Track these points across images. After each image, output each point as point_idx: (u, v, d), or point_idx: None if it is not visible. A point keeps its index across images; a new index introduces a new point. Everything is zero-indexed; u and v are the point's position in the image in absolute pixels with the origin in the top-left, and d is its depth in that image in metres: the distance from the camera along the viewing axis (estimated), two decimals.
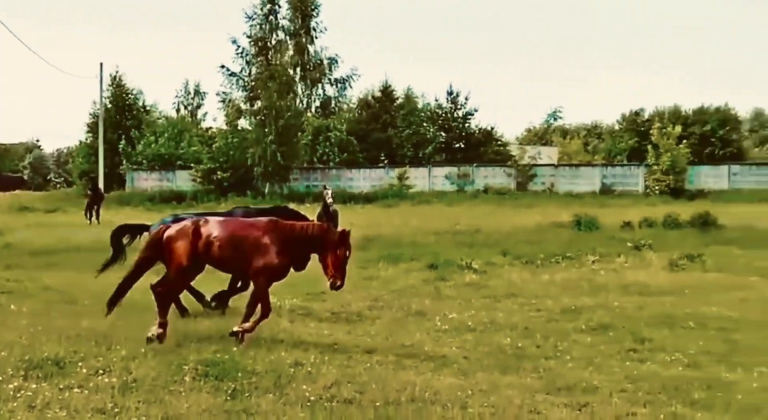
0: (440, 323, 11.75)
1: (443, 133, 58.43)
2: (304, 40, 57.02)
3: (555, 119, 76.35)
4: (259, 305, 9.82)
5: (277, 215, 12.98)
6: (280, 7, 54.27)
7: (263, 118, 50.21)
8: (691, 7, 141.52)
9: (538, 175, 52.46)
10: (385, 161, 54.28)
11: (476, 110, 59.73)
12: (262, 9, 53.38)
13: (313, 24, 57.34)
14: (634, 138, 59.05)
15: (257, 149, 49.52)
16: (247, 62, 53.85)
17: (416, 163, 53.93)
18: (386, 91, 60.19)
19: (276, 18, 53.84)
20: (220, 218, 10.81)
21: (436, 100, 60.44)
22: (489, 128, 59.80)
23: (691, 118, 58.17)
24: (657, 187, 48.28)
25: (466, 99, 59.57)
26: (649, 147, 50.32)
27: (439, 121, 59.10)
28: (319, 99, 60.08)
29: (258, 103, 51.87)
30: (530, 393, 7.89)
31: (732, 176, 50.42)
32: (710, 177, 50.44)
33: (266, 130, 49.42)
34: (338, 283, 9.70)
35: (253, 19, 53.48)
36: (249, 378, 7.85)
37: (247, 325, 9.77)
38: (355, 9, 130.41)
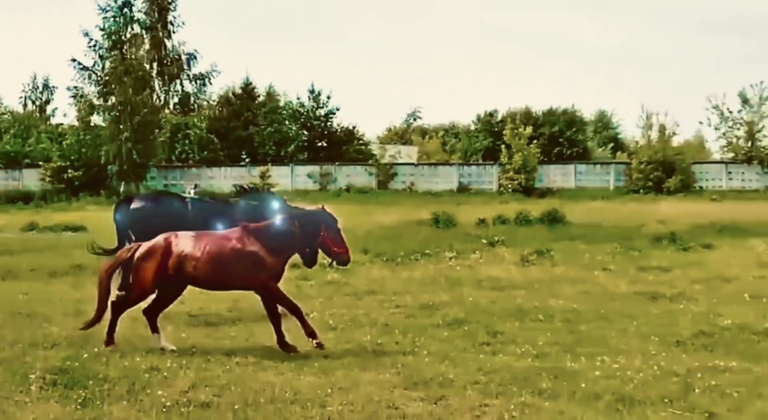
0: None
1: (305, 132, 58.31)
2: (160, 34, 55.53)
3: (414, 119, 77.88)
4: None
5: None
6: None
7: (118, 114, 48.70)
8: (541, 13, 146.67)
9: (399, 173, 53.28)
10: (247, 160, 53.61)
11: (338, 109, 59.94)
12: (116, 1, 51.24)
13: (170, 18, 56.06)
14: (489, 138, 60.73)
15: (111, 147, 48.03)
16: (101, 56, 51.41)
17: (278, 161, 53.62)
18: (247, 88, 59.49)
19: (131, 11, 51.81)
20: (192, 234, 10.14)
21: (298, 99, 60.27)
22: (351, 127, 60.18)
23: (541, 120, 60.36)
24: (510, 186, 50.08)
25: (328, 98, 59.73)
26: (503, 147, 52.03)
27: (302, 120, 58.87)
28: (177, 95, 58.61)
29: (112, 99, 50.10)
30: (389, 389, 7.98)
31: (578, 175, 52.93)
32: (558, 175, 52.75)
33: (121, 126, 47.94)
34: (346, 256, 10.02)
35: (107, 11, 51.16)
36: (101, 385, 7.63)
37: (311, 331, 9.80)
38: (215, 3, 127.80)
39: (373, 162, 54.36)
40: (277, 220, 10.15)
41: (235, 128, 56.52)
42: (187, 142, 53.08)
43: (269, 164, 51.96)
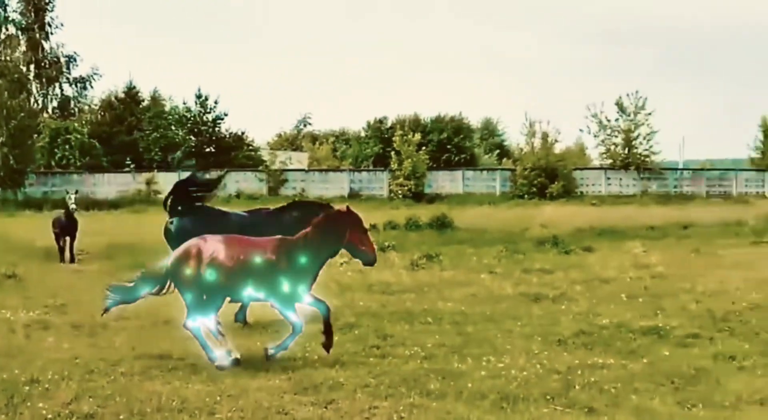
0: (184, 333, 11.45)
1: (193, 137, 57.27)
2: (38, 35, 53.42)
3: (305, 125, 77.67)
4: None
5: (302, 211, 13.17)
6: None
7: None
8: (428, 25, 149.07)
9: (290, 180, 53.06)
10: (132, 166, 52.21)
11: (226, 114, 59.08)
12: None
13: (47, 19, 54.01)
14: (379, 145, 61.23)
15: None
16: None
17: (165, 167, 52.41)
18: (131, 92, 57.95)
19: (5, 11, 50.04)
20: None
21: (185, 103, 59.12)
22: (240, 133, 59.40)
23: (430, 127, 61.24)
24: (400, 192, 50.56)
25: (216, 103, 58.78)
26: (392, 153, 52.48)
27: (188, 125, 57.75)
28: (56, 99, 56.56)
29: None
30: (279, 394, 7.99)
31: (465, 181, 53.98)
32: (446, 181, 53.62)
33: None
34: (372, 255, 9.78)
35: None
36: None
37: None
38: (95, 4, 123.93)
39: (263, 168, 53.88)
40: (305, 233, 9.70)
41: (119, 133, 55.05)
42: (67, 147, 51.11)
43: (155, 170, 50.78)
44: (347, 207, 9.88)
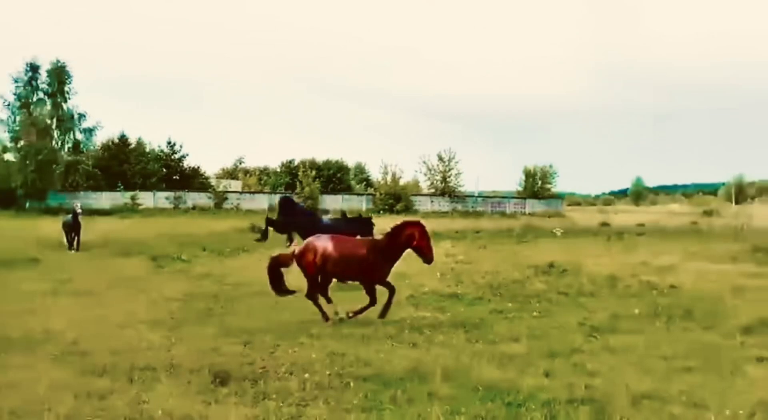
0: (157, 297, 10.85)
1: (164, 169, 55.00)
2: (59, 99, 49.37)
3: (240, 163, 75.60)
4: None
5: (356, 221, 14.48)
6: (39, 74, 47.13)
7: (25, 154, 43.70)
8: (326, 106, 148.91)
9: (229, 198, 51.61)
10: (121, 187, 49.73)
11: (188, 154, 57.03)
12: (25, 74, 46.44)
13: (66, 88, 50.08)
14: (288, 177, 60.82)
15: (19, 176, 43.16)
16: (12, 112, 46.17)
17: (144, 188, 50.21)
18: (123, 139, 54.97)
19: (36, 81, 47.02)
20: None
21: (159, 146, 56.75)
22: (196, 167, 57.55)
23: (322, 166, 61.18)
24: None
25: (181, 146, 56.66)
26: (297, 182, 52.14)
27: (162, 161, 55.49)
28: (70, 142, 52.43)
29: (21, 142, 44.85)
30: (215, 338, 7.69)
31: (344, 201, 53.78)
32: (332, 201, 53.39)
33: (27, 162, 43.24)
34: (431, 256, 8.75)
35: (18, 82, 46.40)
36: None
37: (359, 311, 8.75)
38: (102, 79, 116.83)
39: (212, 190, 52.63)
40: (387, 235, 8.87)
41: (113, 165, 52.10)
42: (77, 174, 48.09)
43: (137, 190, 48.68)
44: (419, 221, 8.85)
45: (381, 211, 51.17)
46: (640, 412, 5.08)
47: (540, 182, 60.84)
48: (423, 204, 56.35)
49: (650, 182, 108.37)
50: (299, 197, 50.76)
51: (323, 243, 8.68)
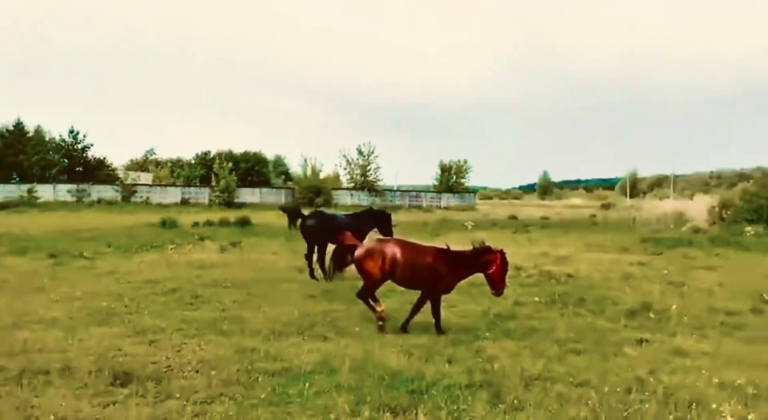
0: (55, 296, 10.31)
1: (66, 160, 51.38)
2: None
3: (151, 154, 72.20)
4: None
5: (374, 215, 13.29)
6: None
7: None
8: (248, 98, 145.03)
9: (138, 191, 49.29)
10: (17, 179, 45.98)
11: (92, 145, 53.50)
12: None
13: None
14: (204, 169, 58.66)
15: None
16: None
17: (43, 180, 46.74)
18: (18, 126, 50.84)
19: None
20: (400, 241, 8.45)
21: (61, 136, 52.93)
22: (102, 158, 54.19)
23: (239, 158, 59.61)
24: (217, 201, 48.72)
25: (84, 136, 53.18)
26: (213, 175, 50.61)
27: (63, 151, 51.84)
28: None
29: None
30: (117, 338, 7.47)
31: (262, 195, 53.03)
32: (249, 195, 52.38)
33: None
34: (502, 290, 7.99)
35: None
36: None
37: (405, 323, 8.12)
38: None
39: (119, 183, 49.73)
40: (463, 251, 8.20)
41: (8, 156, 48.08)
42: None
43: (35, 183, 45.15)
44: (502, 250, 8.05)
45: (300, 205, 50.80)
46: (531, 392, 5.50)
47: (455, 177, 62.71)
48: (343, 198, 56.55)
49: (556, 177, 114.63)
50: (214, 190, 49.45)
51: (392, 248, 8.16)
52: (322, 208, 15.20)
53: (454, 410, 5.13)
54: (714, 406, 5.16)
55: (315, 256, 13.04)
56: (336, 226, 12.58)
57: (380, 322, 8.10)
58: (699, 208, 32.12)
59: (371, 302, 8.28)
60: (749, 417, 4.95)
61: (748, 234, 23.96)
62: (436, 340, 7.40)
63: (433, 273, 7.90)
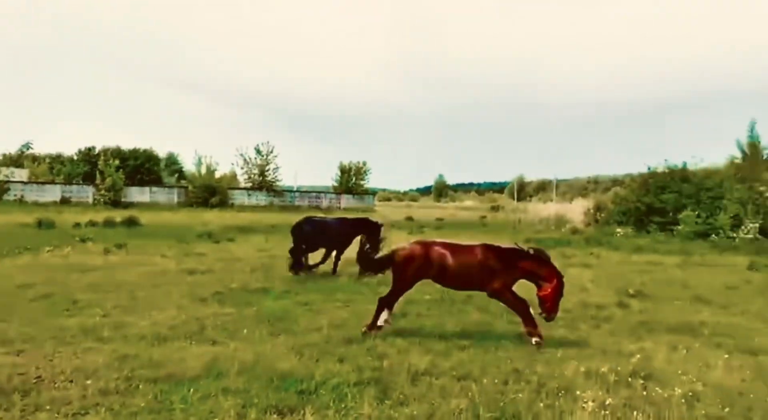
0: None
1: None
2: None
3: (27, 149, 66.14)
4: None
5: (363, 224, 13.42)
6: None
7: None
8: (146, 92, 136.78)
9: (12, 189, 45.17)
10: None
11: None
12: None
13: None
14: (87, 166, 54.85)
15: None
16: None
17: None
18: None
19: None
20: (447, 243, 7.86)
21: None
22: None
23: (128, 155, 56.32)
24: (102, 200, 45.77)
25: None
26: (98, 172, 47.49)
27: None
28: None
29: None
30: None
31: (152, 194, 50.50)
32: (138, 194, 49.71)
33: None
34: (553, 316, 7.42)
35: None
36: None
37: (531, 329, 7.46)
38: None
39: None
40: (523, 251, 7.64)
41: None
42: None
43: None
44: (560, 273, 7.47)
45: (194, 205, 48.98)
46: (417, 387, 5.74)
47: (354, 178, 63.36)
48: (240, 198, 55.18)
49: (451, 180, 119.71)
50: (99, 189, 46.39)
51: (437, 251, 7.65)
52: (311, 215, 15.45)
53: (342, 408, 5.23)
54: (578, 392, 5.66)
55: (311, 256, 13.88)
56: (328, 230, 13.68)
57: (371, 330, 7.69)
58: (577, 210, 34.86)
59: (385, 311, 7.80)
60: (607, 401, 5.48)
61: (618, 235, 26.32)
62: (328, 339, 7.48)
63: (488, 271, 7.46)
